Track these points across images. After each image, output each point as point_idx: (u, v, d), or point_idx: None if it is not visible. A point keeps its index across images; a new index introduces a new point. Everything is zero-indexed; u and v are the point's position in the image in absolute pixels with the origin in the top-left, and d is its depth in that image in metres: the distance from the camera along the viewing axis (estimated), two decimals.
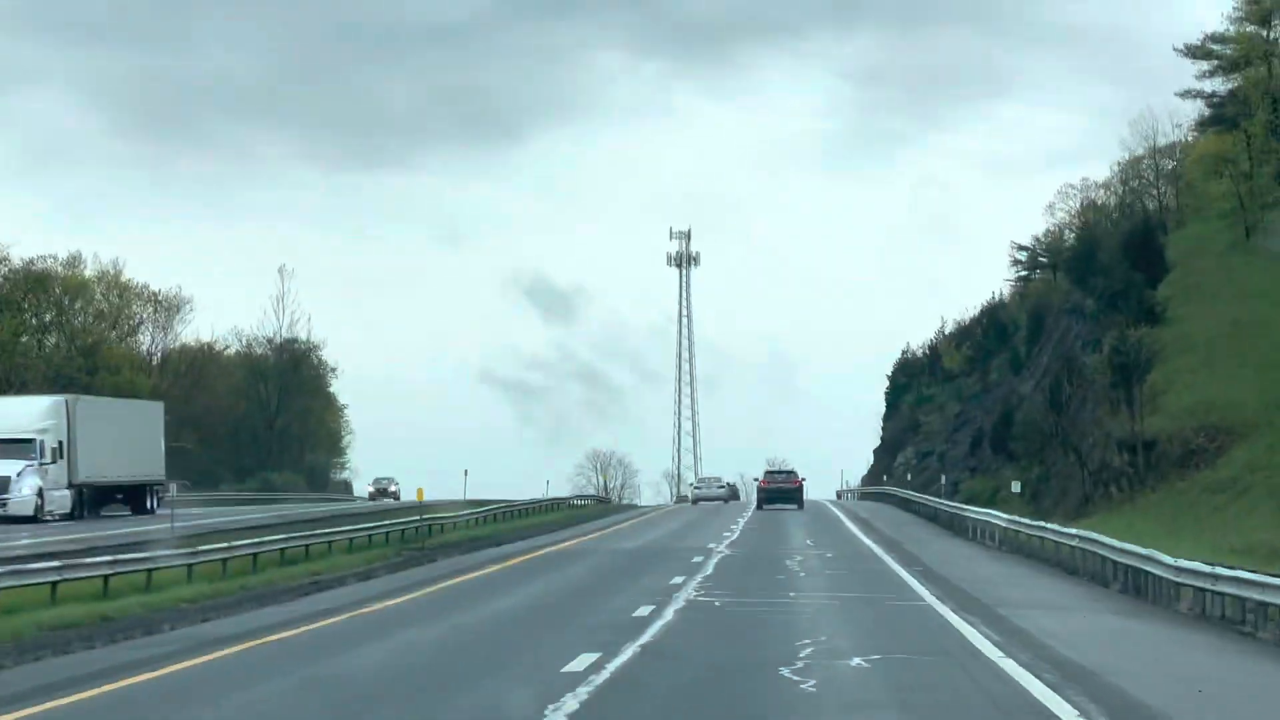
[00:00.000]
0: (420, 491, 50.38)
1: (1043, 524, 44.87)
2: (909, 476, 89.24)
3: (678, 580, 35.42)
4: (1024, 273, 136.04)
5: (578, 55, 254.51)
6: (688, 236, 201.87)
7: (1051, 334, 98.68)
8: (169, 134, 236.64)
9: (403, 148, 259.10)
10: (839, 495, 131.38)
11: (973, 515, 56.50)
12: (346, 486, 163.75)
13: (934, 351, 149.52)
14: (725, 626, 26.89)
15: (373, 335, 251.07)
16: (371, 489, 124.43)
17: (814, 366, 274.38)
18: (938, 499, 70.35)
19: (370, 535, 47.21)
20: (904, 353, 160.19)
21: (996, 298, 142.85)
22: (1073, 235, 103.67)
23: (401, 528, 49.39)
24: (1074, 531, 40.12)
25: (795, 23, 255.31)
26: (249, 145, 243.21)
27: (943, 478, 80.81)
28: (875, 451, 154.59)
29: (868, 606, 30.41)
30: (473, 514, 60.76)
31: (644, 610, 28.72)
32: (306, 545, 42.14)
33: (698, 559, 42.49)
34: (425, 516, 53.30)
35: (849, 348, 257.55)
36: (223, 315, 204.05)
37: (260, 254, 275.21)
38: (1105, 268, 73.18)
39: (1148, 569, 31.72)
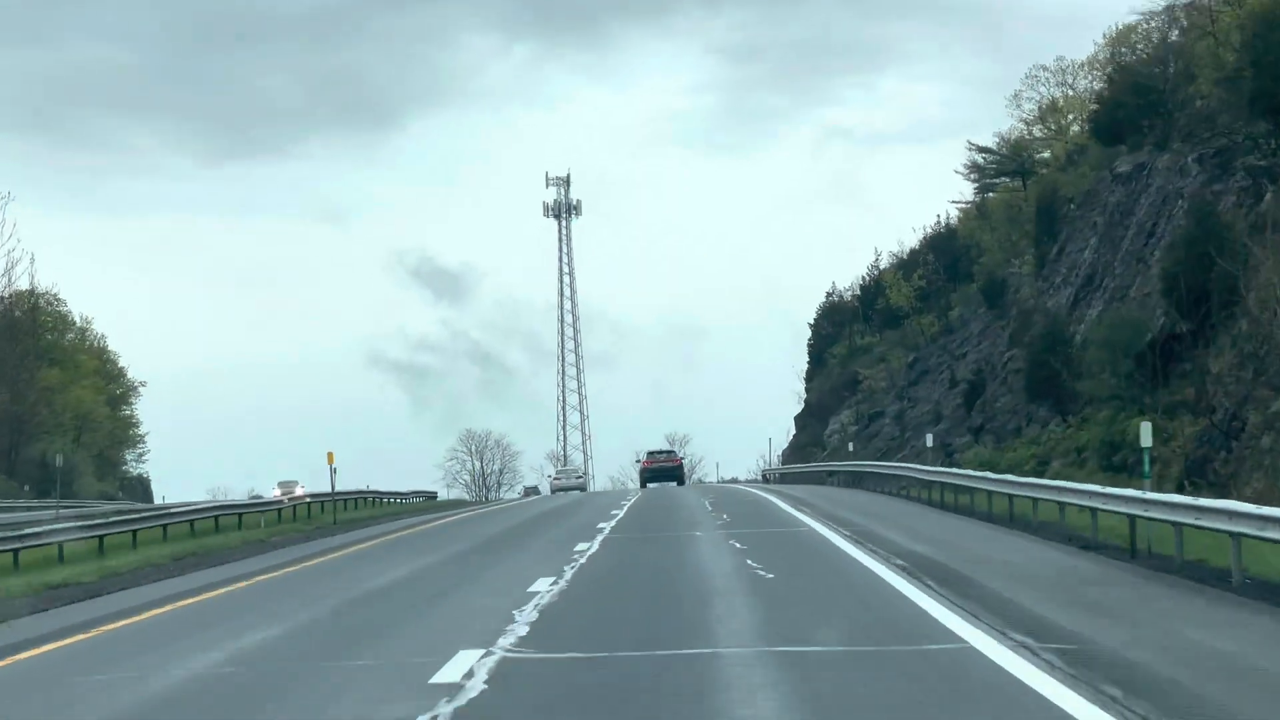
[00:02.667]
0: None
1: None
2: (929, 443, 54.36)
3: None
4: (979, 181, 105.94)
5: (450, 38, 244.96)
6: (566, 182, 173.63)
7: (1081, 222, 65.86)
8: (41, 129, 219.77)
9: (280, 136, 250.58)
10: (765, 478, 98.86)
11: None
12: (143, 486, 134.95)
13: (870, 291, 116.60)
14: None
15: (256, 324, 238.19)
16: None
17: (722, 337, 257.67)
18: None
19: None
20: (829, 295, 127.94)
21: (942, 222, 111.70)
22: (1102, 82, 70.95)
23: None
24: None
25: (663, 0, 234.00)
26: (123, 139, 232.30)
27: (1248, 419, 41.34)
28: (798, 418, 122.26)
29: None
30: None
31: None
32: None
33: None
34: None
35: (758, 315, 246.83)
36: None
37: (141, 247, 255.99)
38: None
39: None
